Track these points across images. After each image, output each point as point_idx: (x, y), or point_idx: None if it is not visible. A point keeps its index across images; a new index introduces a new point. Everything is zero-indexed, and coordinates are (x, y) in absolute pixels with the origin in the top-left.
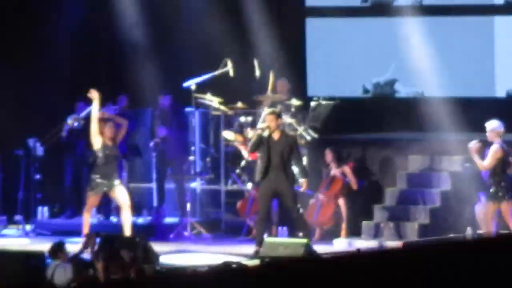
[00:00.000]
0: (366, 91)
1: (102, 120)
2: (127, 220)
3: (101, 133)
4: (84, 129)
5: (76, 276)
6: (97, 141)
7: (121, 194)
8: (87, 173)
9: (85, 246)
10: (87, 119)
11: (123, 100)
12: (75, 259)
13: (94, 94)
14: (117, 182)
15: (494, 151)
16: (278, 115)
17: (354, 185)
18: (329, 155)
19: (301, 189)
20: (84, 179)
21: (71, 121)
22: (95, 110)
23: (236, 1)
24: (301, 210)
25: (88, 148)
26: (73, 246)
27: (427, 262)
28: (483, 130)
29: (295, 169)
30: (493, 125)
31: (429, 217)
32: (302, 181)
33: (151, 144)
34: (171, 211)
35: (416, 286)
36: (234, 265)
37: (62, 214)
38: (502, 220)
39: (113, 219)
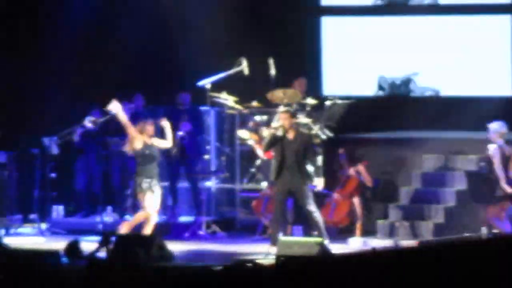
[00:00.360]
0: (381, 88)
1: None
2: (151, 222)
3: (140, 132)
4: (99, 131)
5: (91, 274)
6: (138, 141)
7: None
8: (101, 174)
9: (101, 245)
10: (105, 122)
11: (139, 99)
12: (91, 258)
13: (114, 106)
14: (154, 182)
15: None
16: (293, 114)
17: (369, 182)
18: (342, 156)
19: (317, 188)
20: (97, 180)
21: (89, 123)
22: (123, 119)
23: (251, 0)
24: (314, 209)
25: (103, 149)
26: (88, 244)
27: (442, 261)
28: None
29: (310, 168)
30: (495, 127)
31: (444, 216)
32: (317, 180)
33: (178, 135)
34: (186, 210)
35: (431, 284)
36: (249, 264)
37: (77, 213)
38: None
39: (128, 218)
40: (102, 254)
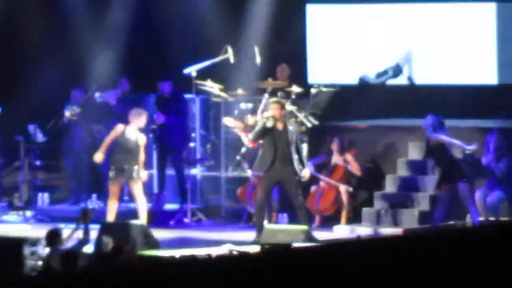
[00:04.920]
0: (365, 79)
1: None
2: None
3: None
4: (81, 117)
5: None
6: None
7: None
8: (87, 160)
9: (79, 220)
10: (84, 107)
11: (124, 83)
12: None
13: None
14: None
15: None
16: (283, 105)
17: (357, 171)
18: (335, 143)
19: (303, 179)
20: (84, 166)
21: (69, 115)
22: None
23: None
24: (301, 200)
25: (86, 135)
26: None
27: (427, 249)
28: (483, 117)
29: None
30: None
31: (429, 204)
32: (304, 171)
33: (149, 130)
34: (171, 198)
35: (415, 272)
36: (234, 252)
37: (66, 200)
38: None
39: None
40: (80, 233)
